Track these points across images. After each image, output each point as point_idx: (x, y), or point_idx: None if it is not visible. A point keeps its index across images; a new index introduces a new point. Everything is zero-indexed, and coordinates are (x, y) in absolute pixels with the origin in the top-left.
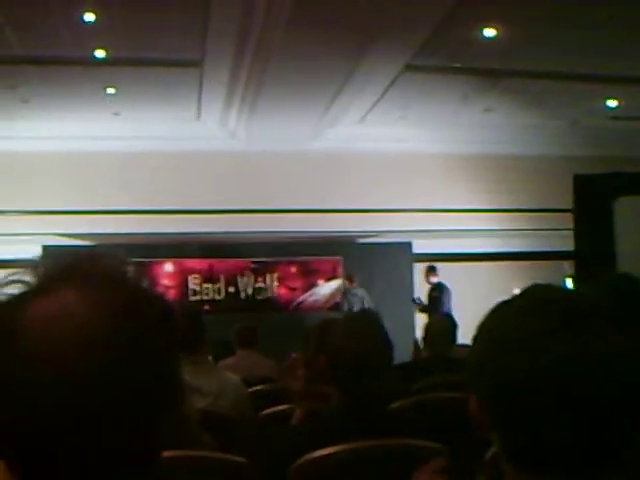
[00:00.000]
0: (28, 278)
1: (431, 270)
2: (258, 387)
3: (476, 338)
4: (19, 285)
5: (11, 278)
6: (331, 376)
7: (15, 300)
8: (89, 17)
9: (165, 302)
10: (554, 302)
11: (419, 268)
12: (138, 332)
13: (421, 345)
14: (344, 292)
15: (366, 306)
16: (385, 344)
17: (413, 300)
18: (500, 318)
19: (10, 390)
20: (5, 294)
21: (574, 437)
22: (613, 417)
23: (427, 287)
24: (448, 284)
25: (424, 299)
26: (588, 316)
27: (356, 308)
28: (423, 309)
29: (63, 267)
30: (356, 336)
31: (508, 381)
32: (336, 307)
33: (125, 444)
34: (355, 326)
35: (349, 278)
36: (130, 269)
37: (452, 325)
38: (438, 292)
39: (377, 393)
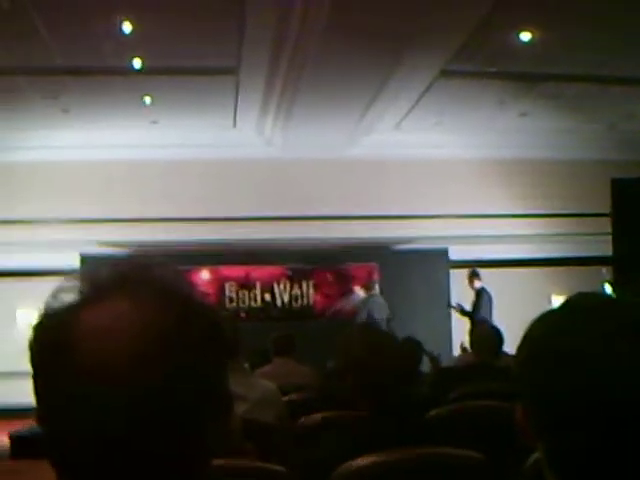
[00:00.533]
0: (80, 286)
1: (474, 275)
2: (294, 395)
3: (522, 347)
4: (71, 293)
5: (64, 286)
6: (358, 387)
7: (68, 309)
8: (127, 27)
9: (215, 313)
10: (599, 312)
11: (455, 274)
12: (190, 344)
13: (469, 350)
14: (363, 300)
15: (384, 315)
16: (404, 356)
17: (449, 305)
18: (546, 327)
19: (64, 402)
20: (58, 302)
21: (620, 450)
22: None
23: (464, 293)
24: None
25: (466, 305)
26: (636, 326)
27: (377, 316)
28: (462, 312)
29: (115, 276)
30: (376, 351)
31: (554, 392)
32: None
33: (175, 454)
34: (374, 340)
35: (366, 286)
36: (182, 279)
37: (498, 335)
38: (479, 297)
39: (408, 401)
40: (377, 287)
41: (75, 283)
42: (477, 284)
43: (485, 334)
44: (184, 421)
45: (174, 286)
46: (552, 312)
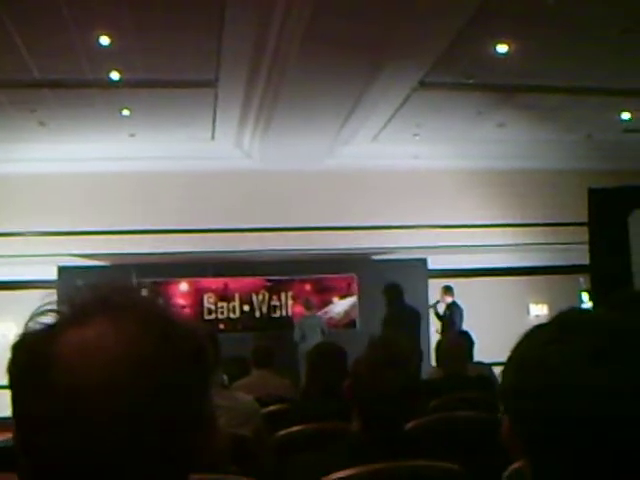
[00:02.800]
0: (61, 308)
1: (447, 290)
2: (274, 407)
3: (509, 361)
4: (51, 315)
5: (45, 308)
6: (355, 402)
7: (48, 332)
8: (104, 40)
9: (197, 334)
10: (587, 328)
11: (434, 284)
12: (170, 367)
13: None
14: (298, 323)
15: (317, 334)
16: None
17: (434, 304)
18: (534, 343)
19: (41, 422)
20: (37, 323)
21: (607, 466)
22: None
23: (429, 307)
24: (462, 300)
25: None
26: (622, 345)
27: (310, 336)
28: (437, 314)
29: (96, 299)
30: (387, 373)
31: (542, 407)
32: (351, 324)
33: (155, 474)
34: (386, 361)
35: (307, 305)
36: (163, 301)
37: (468, 343)
38: (450, 311)
39: (395, 417)
40: (313, 306)
41: (55, 305)
42: (448, 299)
43: (449, 347)
44: (163, 443)
45: (155, 309)
46: (539, 327)
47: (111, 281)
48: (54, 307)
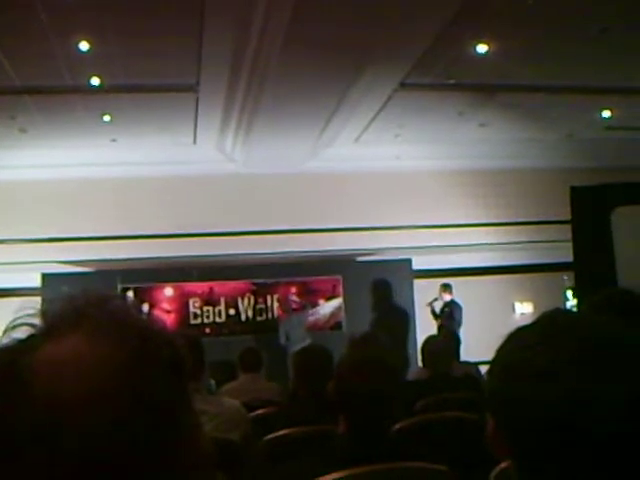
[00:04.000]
0: (35, 321)
1: (445, 287)
2: (261, 411)
3: (494, 363)
4: (25, 328)
5: (18, 322)
6: (339, 403)
7: (23, 345)
8: (84, 46)
9: (175, 346)
10: (573, 329)
11: (419, 284)
12: (148, 380)
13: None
14: (284, 322)
15: (301, 333)
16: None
17: (431, 302)
18: (520, 344)
19: (17, 437)
20: (11, 337)
21: (594, 468)
22: (636, 458)
23: (427, 304)
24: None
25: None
26: (607, 348)
27: (294, 337)
28: (433, 313)
29: (70, 311)
30: (367, 371)
31: (528, 409)
32: (337, 326)
33: None
34: (365, 360)
35: (284, 308)
36: (138, 310)
37: (454, 342)
38: (449, 309)
39: (380, 417)
40: (290, 308)
41: (30, 318)
42: (447, 297)
43: (434, 348)
44: (146, 455)
45: (130, 319)
46: (525, 328)
47: (86, 291)
48: (29, 321)
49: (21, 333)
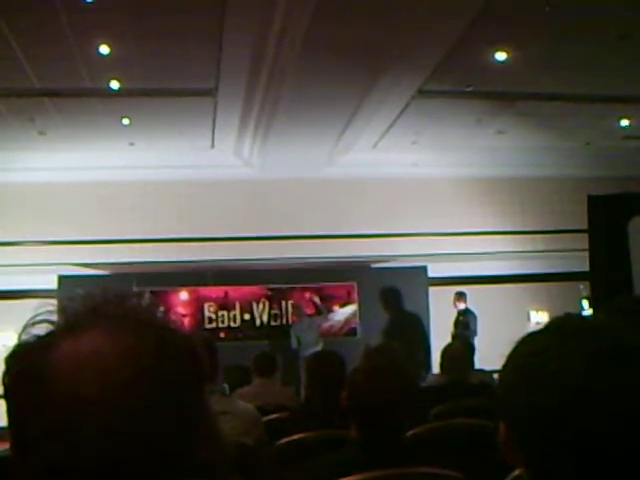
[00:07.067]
0: (54, 318)
1: (459, 296)
2: (275, 415)
3: (506, 367)
4: (46, 325)
5: (38, 318)
6: (352, 413)
7: (42, 342)
8: (104, 49)
9: (191, 341)
10: (584, 334)
11: (434, 292)
12: (165, 375)
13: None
14: (294, 327)
15: (313, 337)
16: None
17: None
18: (531, 349)
19: (36, 433)
20: (32, 334)
21: (607, 472)
22: None
23: (443, 311)
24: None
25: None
26: (618, 353)
27: (306, 341)
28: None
29: (90, 309)
30: (380, 382)
31: (540, 413)
32: (352, 332)
33: None
34: (378, 370)
35: (297, 312)
36: (156, 309)
37: (470, 350)
38: (465, 317)
39: (392, 427)
40: (303, 313)
41: (49, 315)
42: (461, 305)
43: (453, 354)
44: (163, 452)
45: (148, 317)
46: (536, 334)
47: (104, 290)
48: (48, 317)
49: (40, 330)
